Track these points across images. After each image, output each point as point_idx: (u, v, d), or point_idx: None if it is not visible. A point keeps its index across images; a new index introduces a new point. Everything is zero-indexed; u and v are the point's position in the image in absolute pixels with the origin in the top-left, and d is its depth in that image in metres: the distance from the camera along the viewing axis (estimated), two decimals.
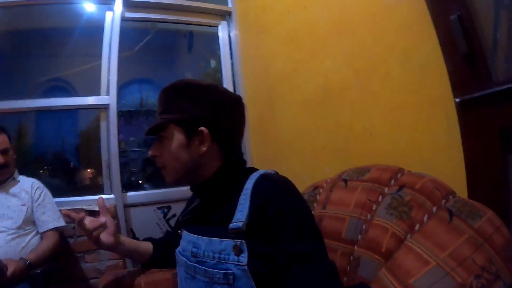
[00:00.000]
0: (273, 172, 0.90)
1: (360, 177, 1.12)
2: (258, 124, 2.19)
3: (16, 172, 1.86)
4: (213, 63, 3.14)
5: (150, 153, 0.92)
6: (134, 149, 4.16)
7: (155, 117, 0.94)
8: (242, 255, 0.75)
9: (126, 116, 3.80)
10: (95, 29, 2.47)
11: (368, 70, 1.35)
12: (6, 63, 3.04)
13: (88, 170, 2.96)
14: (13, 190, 1.79)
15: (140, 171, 3.43)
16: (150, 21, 2.66)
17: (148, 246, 1.14)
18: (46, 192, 1.89)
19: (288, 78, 1.93)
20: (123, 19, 2.43)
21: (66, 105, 2.25)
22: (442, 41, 1.01)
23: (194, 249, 0.86)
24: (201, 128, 0.85)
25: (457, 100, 0.95)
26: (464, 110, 0.95)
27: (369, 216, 0.99)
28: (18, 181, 1.83)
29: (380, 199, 0.99)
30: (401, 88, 1.20)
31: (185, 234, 0.95)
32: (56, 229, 1.80)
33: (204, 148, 0.86)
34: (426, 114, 1.10)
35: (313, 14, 1.70)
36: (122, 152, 2.99)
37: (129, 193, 2.30)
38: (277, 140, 2.07)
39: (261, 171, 0.88)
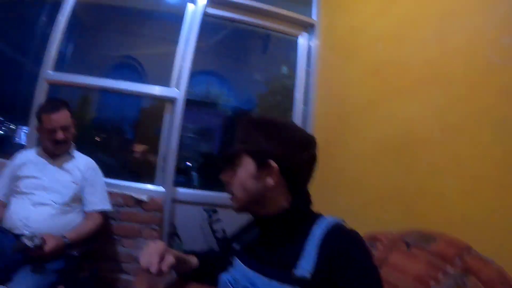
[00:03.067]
0: (342, 221, 0.94)
1: (424, 245, 1.13)
2: (323, 150, 2.12)
3: (73, 147, 1.99)
4: (284, 69, 3.20)
5: (221, 177, 1.00)
6: (190, 135, 4.40)
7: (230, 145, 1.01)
8: None
9: (189, 104, 4.00)
10: (175, 16, 2.62)
11: (456, 129, 1.33)
12: (83, 35, 3.29)
13: (142, 147, 3.11)
14: (67, 165, 1.92)
15: (191, 159, 3.60)
16: (230, 20, 2.77)
17: (193, 260, 1.22)
18: (99, 173, 2.03)
19: (366, 112, 1.94)
20: (205, 15, 2.56)
21: (133, 91, 2.44)
22: None
23: (249, 285, 0.91)
24: (270, 160, 0.92)
25: None
26: None
27: None
28: (73, 157, 1.96)
29: (441, 277, 1.00)
30: (488, 158, 1.17)
31: (239, 264, 1.00)
32: (101, 211, 1.95)
33: (271, 182, 0.92)
34: (510, 196, 1.08)
35: (405, 49, 1.69)
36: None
37: (179, 189, 2.45)
38: (341, 173, 2.08)
39: (331, 219, 0.92)
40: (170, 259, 0.93)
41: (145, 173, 2.62)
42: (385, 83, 1.82)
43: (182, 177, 3.46)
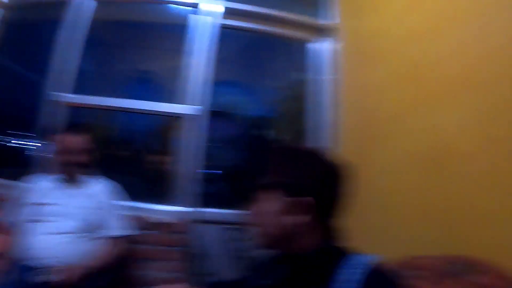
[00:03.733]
0: (379, 262, 0.84)
1: (471, 277, 1.01)
2: (351, 161, 2.02)
3: (93, 171, 1.98)
4: (306, 75, 3.10)
5: (250, 210, 0.94)
6: (215, 144, 4.39)
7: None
8: None
9: (213, 115, 4.01)
10: (191, 28, 2.60)
11: (501, 140, 1.19)
12: (101, 52, 3.32)
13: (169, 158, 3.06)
14: (87, 190, 1.91)
15: (218, 168, 3.58)
16: (247, 30, 2.72)
17: None
18: (120, 197, 2.01)
19: (397, 121, 1.81)
20: (222, 27, 2.54)
21: (150, 110, 2.43)
22: None
23: None
24: (308, 198, 0.85)
25: None
26: None
27: None
28: (93, 181, 1.95)
29: None
30: None
31: None
32: (123, 236, 1.91)
33: (306, 218, 0.86)
34: None
35: (440, 49, 1.55)
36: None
37: (204, 209, 2.40)
38: (370, 188, 1.94)
39: (366, 259, 0.83)
40: None
41: (169, 193, 2.58)
42: (417, 88, 1.69)
43: (213, 189, 3.42)
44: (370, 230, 1.90)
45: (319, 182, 0.88)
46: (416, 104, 1.68)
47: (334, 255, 0.86)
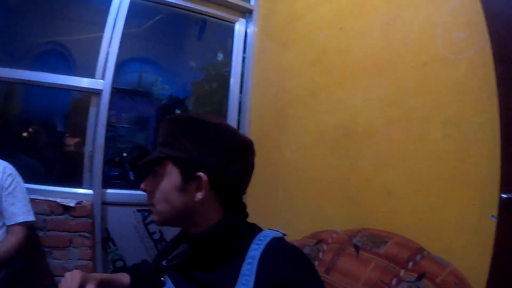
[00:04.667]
0: (281, 235, 0.85)
1: (375, 248, 1.09)
2: (260, 142, 2.07)
3: None
4: (220, 56, 3.10)
5: (142, 186, 0.87)
6: (124, 125, 4.19)
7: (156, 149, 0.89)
8: None
9: (121, 93, 3.79)
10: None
11: (402, 123, 1.30)
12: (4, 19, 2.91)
13: (75, 140, 2.83)
14: None
15: (125, 150, 3.43)
16: (162, 3, 2.57)
17: (123, 278, 1.10)
18: (19, 180, 1.79)
19: (306, 103, 1.88)
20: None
21: (56, 83, 2.15)
22: (504, 124, 0.94)
23: None
24: (200, 173, 0.80)
25: (504, 196, 0.91)
26: (508, 209, 0.91)
27: None
28: None
29: (394, 282, 0.97)
30: (436, 155, 1.16)
31: (171, 287, 0.89)
32: (24, 223, 1.72)
33: (200, 196, 0.81)
34: (460, 193, 1.07)
35: (350, 39, 1.64)
36: (111, 126, 2.93)
37: (108, 190, 2.25)
38: (279, 165, 2.03)
39: (268, 234, 0.82)
40: None
41: (74, 174, 2.39)
42: (326, 72, 1.77)
43: (117, 171, 3.26)
44: (278, 206, 1.98)
45: (216, 157, 0.82)
46: (324, 87, 1.77)
47: (236, 233, 0.84)
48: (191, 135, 0.83)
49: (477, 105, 1.05)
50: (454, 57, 1.12)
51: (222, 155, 0.83)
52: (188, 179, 0.81)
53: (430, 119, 1.18)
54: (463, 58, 1.09)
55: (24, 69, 2.14)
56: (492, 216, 0.96)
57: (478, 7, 1.03)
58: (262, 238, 0.80)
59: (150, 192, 0.86)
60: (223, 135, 0.85)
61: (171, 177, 0.83)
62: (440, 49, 1.16)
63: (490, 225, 0.96)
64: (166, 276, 0.93)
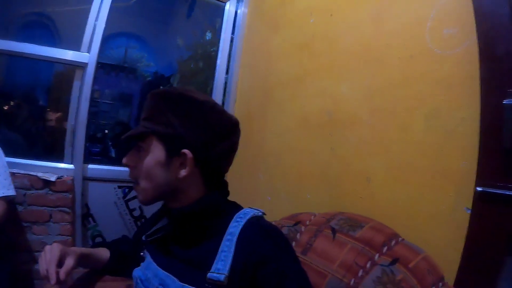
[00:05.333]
0: (260, 214, 0.87)
1: (351, 232, 1.12)
2: (244, 123, 2.04)
3: None
4: (208, 35, 3.06)
5: (124, 160, 0.87)
6: (107, 101, 4.13)
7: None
8: None
9: (106, 68, 3.73)
10: None
11: (386, 113, 1.32)
12: None
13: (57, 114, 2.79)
14: None
15: (108, 126, 3.38)
16: None
17: (103, 253, 1.10)
18: (2, 153, 1.78)
19: (292, 86, 1.89)
20: None
21: (40, 55, 2.11)
22: (485, 120, 0.96)
23: (161, 287, 0.83)
24: (185, 150, 0.81)
25: (479, 189, 0.95)
26: (482, 202, 0.94)
27: (353, 281, 0.99)
28: None
29: (368, 265, 1.00)
30: (417, 145, 1.18)
31: (150, 262, 0.91)
32: (4, 198, 1.70)
33: (184, 173, 0.82)
34: (438, 184, 1.09)
35: (339, 27, 1.64)
36: (94, 102, 2.90)
37: (90, 166, 2.24)
38: (261, 147, 2.05)
39: (248, 212, 0.84)
40: (69, 264, 0.83)
41: (55, 149, 2.35)
42: (314, 58, 1.77)
43: (99, 147, 3.24)
44: (258, 188, 2.00)
45: (202, 135, 0.82)
46: (311, 72, 1.77)
47: (217, 210, 0.85)
48: (178, 111, 0.82)
49: (460, 100, 1.06)
50: (441, 52, 1.13)
51: (209, 133, 0.83)
52: (172, 155, 0.82)
53: (413, 111, 1.20)
54: (451, 54, 1.10)
55: (7, 39, 2.07)
56: (467, 208, 0.99)
57: (469, 5, 1.04)
58: (242, 216, 0.82)
59: (133, 167, 0.87)
60: (211, 112, 0.85)
61: (155, 152, 0.83)
62: (429, 43, 1.17)
63: (464, 217, 0.99)
64: (146, 251, 0.95)
